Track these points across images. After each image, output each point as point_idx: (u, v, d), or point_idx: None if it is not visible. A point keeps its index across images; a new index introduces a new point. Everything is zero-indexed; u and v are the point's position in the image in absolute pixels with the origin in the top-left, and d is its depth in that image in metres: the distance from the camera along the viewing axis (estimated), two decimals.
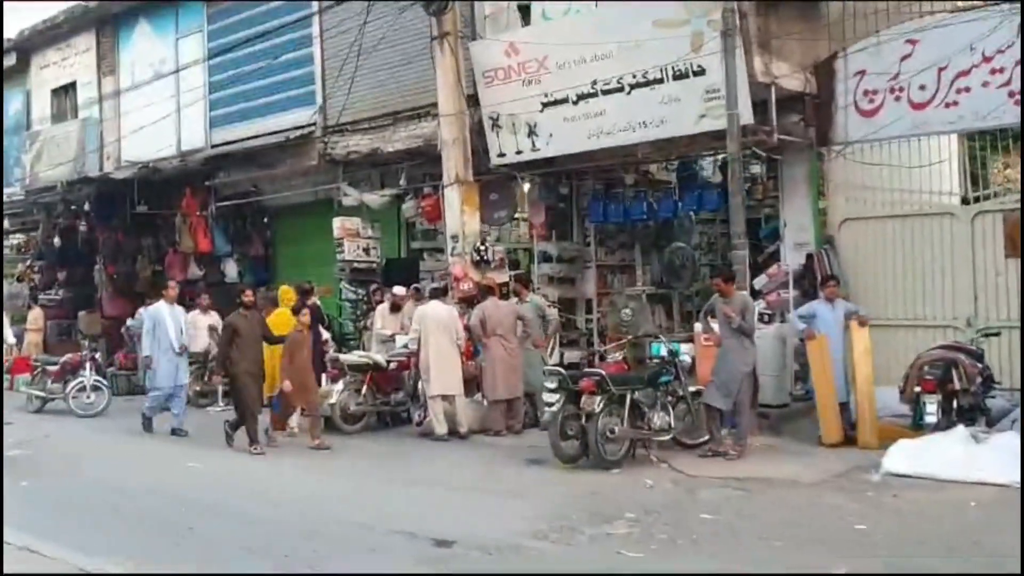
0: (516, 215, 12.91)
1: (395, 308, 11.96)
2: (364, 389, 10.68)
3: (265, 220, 17.68)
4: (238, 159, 16.24)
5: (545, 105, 11.41)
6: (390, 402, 10.97)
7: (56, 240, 19.97)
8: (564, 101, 11.23)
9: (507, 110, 11.76)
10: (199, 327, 13.92)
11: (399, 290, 12.01)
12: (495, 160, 12.14)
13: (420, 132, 13.07)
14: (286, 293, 11.86)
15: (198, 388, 13.66)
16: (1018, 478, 6.73)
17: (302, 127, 14.80)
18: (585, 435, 8.05)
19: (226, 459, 9.55)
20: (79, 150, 19.05)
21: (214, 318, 14.10)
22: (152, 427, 11.23)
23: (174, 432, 11.03)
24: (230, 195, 16.93)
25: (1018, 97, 8.96)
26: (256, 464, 9.24)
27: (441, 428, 9.96)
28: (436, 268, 14.95)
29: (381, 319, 12.06)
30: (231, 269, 17.16)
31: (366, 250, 14.61)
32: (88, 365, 13.02)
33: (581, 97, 11.05)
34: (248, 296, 10.56)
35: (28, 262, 23.97)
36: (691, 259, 12.51)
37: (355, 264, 14.46)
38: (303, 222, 16.85)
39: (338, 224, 14.38)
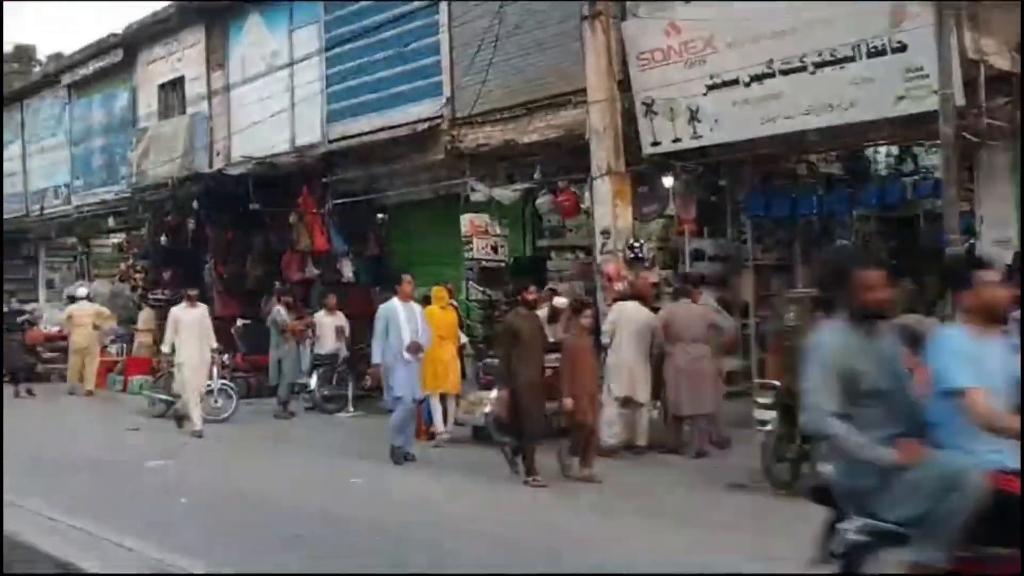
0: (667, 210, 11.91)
1: (553, 317, 11.05)
2: None
3: (380, 218, 17.05)
4: (356, 155, 15.60)
5: (711, 88, 10.44)
6: (546, 413, 10.10)
7: (163, 239, 19.65)
8: (734, 83, 10.24)
9: (665, 94, 10.82)
10: (325, 329, 13.29)
11: (561, 301, 11.08)
12: (648, 149, 11.21)
13: (559, 122, 12.20)
14: (439, 292, 11.06)
15: (326, 393, 13.01)
16: None
17: (427, 120, 14.06)
18: (803, 458, 7.07)
19: (391, 474, 8.74)
20: (188, 146, 18.68)
21: (341, 319, 13.47)
22: (403, 458, 9.15)
23: (397, 454, 9.12)
24: (346, 192, 16.29)
25: None
26: (428, 483, 8.40)
27: (613, 437, 9.07)
28: (564, 268, 14.17)
29: None
30: (347, 268, 16.54)
31: (494, 248, 13.83)
32: (215, 368, 12.45)
33: (755, 78, 10.05)
34: (531, 294, 9.17)
35: (130, 261, 23.84)
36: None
37: (483, 263, 13.66)
38: (419, 220, 16.17)
39: (466, 221, 13.61)
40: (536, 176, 12.78)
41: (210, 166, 18.26)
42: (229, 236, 18.46)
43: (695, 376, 9.21)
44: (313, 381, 12.85)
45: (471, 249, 13.54)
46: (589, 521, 6.83)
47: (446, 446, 10.01)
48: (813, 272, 12.20)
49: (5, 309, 17.67)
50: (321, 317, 13.39)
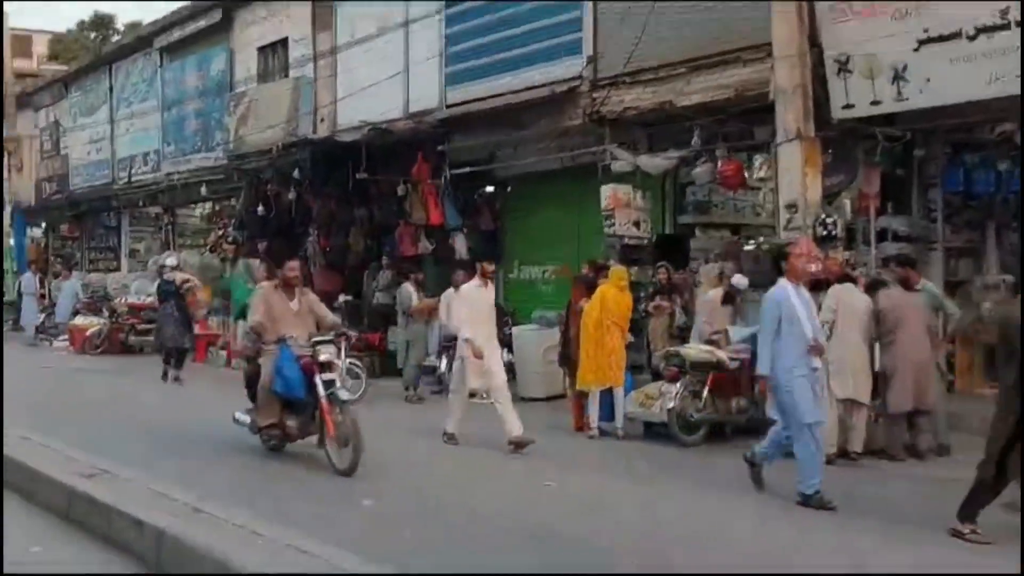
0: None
1: (729, 298, 9.87)
2: (706, 392, 8.68)
3: (494, 191, 15.97)
4: (477, 120, 14.50)
5: (923, 43, 9.13)
6: (731, 409, 8.94)
7: (259, 208, 18.82)
8: (954, 36, 8.93)
9: (864, 50, 9.53)
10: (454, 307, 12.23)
11: (740, 280, 9.89)
12: (839, 113, 9.93)
13: (727, 81, 10.98)
14: (618, 272, 9.89)
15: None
16: None
17: (565, 81, 12.91)
18: None
19: (575, 475, 7.59)
20: (291, 112, 17.77)
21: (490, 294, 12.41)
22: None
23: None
24: (463, 162, 15.21)
25: None
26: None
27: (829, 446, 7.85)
28: (710, 247, 12.96)
29: (708, 311, 9.96)
30: (460, 244, 15.44)
31: (636, 223, 12.64)
32: (341, 346, 11.44)
33: (981, 31, 8.73)
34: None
35: (220, 231, 23.11)
36: None
37: (626, 239, 12.49)
38: (540, 192, 15.03)
39: (608, 192, 12.43)
40: (694, 142, 11.54)
41: (314, 132, 17.34)
42: (332, 207, 17.55)
43: (919, 369, 8.00)
44: (442, 363, 11.80)
45: (612, 224, 12.35)
46: (853, 545, 5.63)
47: (602, 439, 8.88)
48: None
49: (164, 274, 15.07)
50: (450, 295, 12.33)
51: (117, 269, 26.60)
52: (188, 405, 11.46)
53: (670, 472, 7.57)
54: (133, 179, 23.38)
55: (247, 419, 7.96)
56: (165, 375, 13.51)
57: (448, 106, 14.83)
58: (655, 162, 12.07)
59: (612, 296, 9.15)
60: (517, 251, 15.74)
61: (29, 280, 21.76)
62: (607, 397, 9.00)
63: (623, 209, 12.41)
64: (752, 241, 13.50)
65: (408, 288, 11.86)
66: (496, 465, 8.05)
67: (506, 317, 12.95)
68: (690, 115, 11.63)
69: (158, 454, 7.49)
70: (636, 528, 5.82)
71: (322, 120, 17.46)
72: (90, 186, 25.33)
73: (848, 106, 9.84)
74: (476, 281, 9.19)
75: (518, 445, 8.32)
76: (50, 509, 5.77)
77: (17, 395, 10.61)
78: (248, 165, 18.99)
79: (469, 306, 8.95)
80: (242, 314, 13.09)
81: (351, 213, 17.57)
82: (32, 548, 5.24)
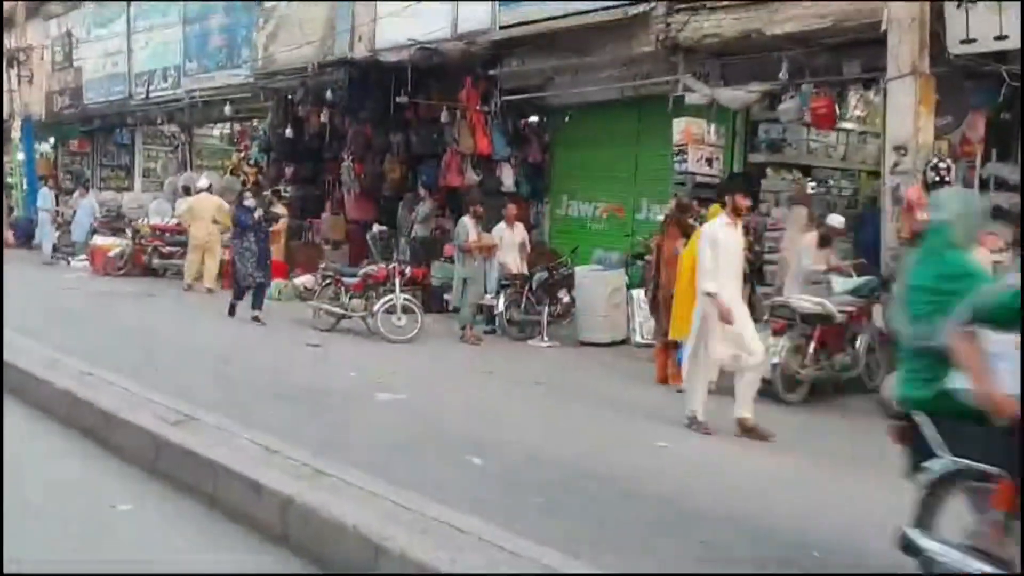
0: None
1: (825, 241, 9.18)
2: (812, 347, 8.04)
3: (543, 120, 15.13)
4: (534, 44, 13.60)
5: None
6: (835, 365, 8.30)
7: (288, 131, 17.97)
8: None
9: None
10: (506, 244, 11.56)
11: (836, 219, 9.19)
12: (956, 48, 9.10)
13: (825, 10, 10.12)
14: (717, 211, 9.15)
15: (514, 316, 11.33)
16: None
17: (637, 3, 11.99)
18: None
19: (687, 437, 6.84)
20: (327, 29, 16.78)
21: (521, 233, 11.74)
22: None
23: None
24: (514, 88, 14.35)
25: None
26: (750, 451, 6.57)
27: None
28: (782, 188, 12.26)
29: (808, 253, 9.23)
30: (507, 176, 14.70)
31: (708, 161, 11.89)
32: (397, 280, 10.79)
33: None
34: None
35: (242, 153, 22.27)
36: None
37: (697, 177, 11.75)
38: (594, 123, 14.22)
39: (682, 126, 11.67)
40: (782, 76, 10.73)
41: (351, 51, 16.37)
42: (368, 132, 16.72)
43: None
44: (500, 303, 11.14)
45: (684, 160, 11.60)
46: None
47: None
48: None
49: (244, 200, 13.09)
50: (501, 230, 11.64)
51: (129, 188, 25.74)
52: (246, 338, 10.78)
53: (786, 437, 6.91)
54: (151, 95, 22.33)
55: None
56: (232, 310, 12.11)
57: (502, 27, 13.87)
58: (736, 95, 11.27)
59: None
60: (566, 185, 15.01)
61: (46, 196, 20.93)
62: None
63: (696, 145, 11.67)
64: (820, 184, 12.84)
65: (466, 222, 11.12)
66: (589, 416, 7.40)
67: (563, 258, 12.27)
68: (777, 46, 10.83)
69: (239, 397, 6.82)
70: (800, 510, 5.11)
71: (359, 39, 16.45)
72: (105, 101, 24.26)
73: (967, 40, 9.01)
74: (724, 218, 7.17)
75: (748, 431, 6.77)
76: (133, 460, 5.14)
77: (50, 319, 10.01)
78: (277, 84, 18.07)
79: (716, 249, 6.85)
80: None
81: (387, 139, 16.77)
82: (121, 506, 4.63)
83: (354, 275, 11.20)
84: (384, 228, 16.97)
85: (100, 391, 5.80)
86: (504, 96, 14.22)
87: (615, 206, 14.04)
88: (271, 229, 16.13)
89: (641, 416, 7.36)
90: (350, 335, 10.85)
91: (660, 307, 8.68)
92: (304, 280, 15.10)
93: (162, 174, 24.33)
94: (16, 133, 26.47)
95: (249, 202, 12.43)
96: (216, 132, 24.54)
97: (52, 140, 29.13)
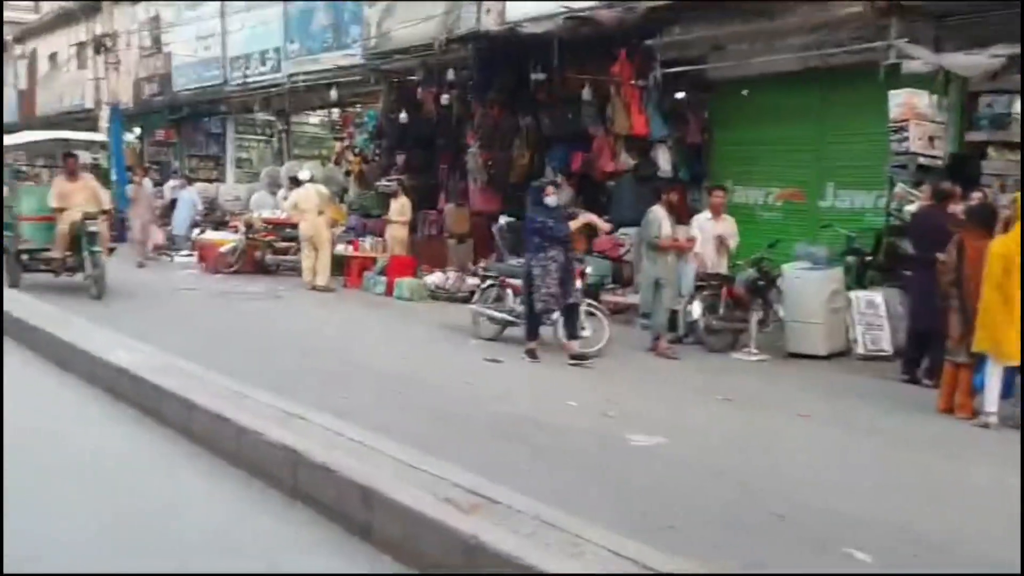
0: None
1: None
2: None
3: (699, 96, 13.45)
4: (702, 9, 11.98)
5: None
6: None
7: (403, 115, 16.57)
8: None
9: None
10: (707, 236, 9.96)
11: None
12: None
13: None
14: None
15: (713, 324, 9.75)
16: None
17: None
18: None
19: None
20: (449, 4, 15.33)
21: (728, 225, 10.13)
22: None
23: None
24: (672, 60, 12.72)
25: None
26: None
27: None
28: (1007, 171, 10.44)
29: None
30: (664, 159, 13.10)
31: (931, 139, 10.16)
32: (578, 281, 9.26)
33: None
34: None
35: (346, 141, 20.96)
36: None
37: (920, 159, 10.03)
38: (766, 98, 12.51)
39: (902, 99, 9.94)
40: None
41: (478, 25, 14.90)
42: (496, 115, 15.24)
43: None
44: (696, 308, 9.57)
45: (905, 139, 9.89)
46: None
47: (999, 431, 6.58)
48: None
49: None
50: (702, 221, 10.04)
51: (220, 179, 24.67)
52: (410, 348, 9.37)
53: None
54: (248, 80, 21.13)
55: None
56: (533, 354, 8.87)
57: None
58: (974, 62, 9.52)
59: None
60: (730, 169, 13.34)
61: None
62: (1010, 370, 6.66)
63: (918, 121, 9.92)
64: None
65: (659, 212, 9.53)
66: (924, 467, 5.77)
67: (761, 254, 10.58)
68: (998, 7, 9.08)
69: (459, 438, 5.39)
70: None
71: (488, 11, 14.98)
72: (197, 87, 23.17)
73: None
74: None
75: None
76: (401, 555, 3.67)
77: (192, 332, 8.70)
78: (392, 65, 16.69)
79: None
80: None
81: (515, 122, 15.28)
82: None
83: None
84: (512, 219, 15.53)
85: (339, 451, 4.33)
86: (665, 68, 12.57)
87: (793, 192, 12.37)
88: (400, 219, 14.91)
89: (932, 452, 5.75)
90: (517, 344, 9.37)
91: (962, 316, 6.96)
92: (435, 278, 13.74)
93: (257, 164, 23.17)
94: (104, 123, 25.58)
95: (552, 199, 9.11)
96: (314, 120, 23.28)
97: (138, 130, 28.25)
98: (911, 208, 9.39)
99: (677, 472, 5.25)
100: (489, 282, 10.04)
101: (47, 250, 11.95)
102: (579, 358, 8.61)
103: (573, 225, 9.30)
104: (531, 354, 8.75)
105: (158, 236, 18.02)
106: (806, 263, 9.80)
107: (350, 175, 19.53)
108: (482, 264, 11.02)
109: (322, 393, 6.15)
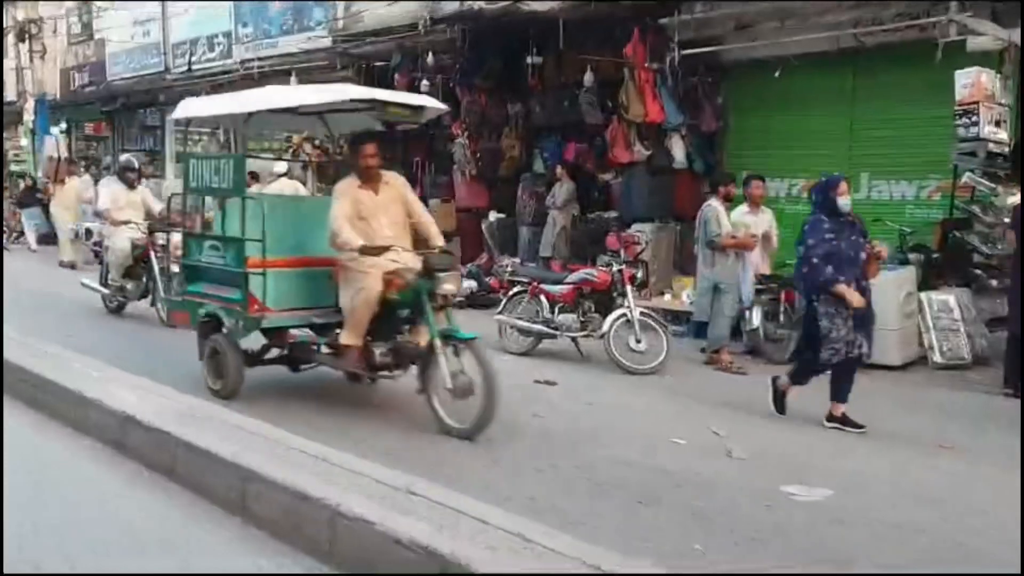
0: None
1: None
2: None
3: (714, 80, 12.37)
4: None
5: None
6: None
7: None
8: None
9: None
10: (757, 229, 8.86)
11: None
12: None
13: None
14: None
15: (774, 332, 8.65)
16: None
17: None
18: None
19: None
20: None
21: (768, 218, 9.06)
22: None
23: None
24: (687, 41, 11.61)
25: None
26: None
27: None
28: None
29: None
30: (678, 149, 11.99)
31: (997, 123, 9.24)
32: (628, 288, 8.06)
33: None
34: None
35: (304, 133, 19.36)
36: None
37: (990, 146, 9.09)
38: (787, 83, 11.48)
39: (970, 79, 8.95)
40: None
41: (460, 4, 13.58)
42: (483, 102, 13.97)
43: None
44: (756, 315, 8.45)
45: (974, 122, 8.92)
46: None
47: None
48: None
49: None
50: (742, 215, 8.93)
51: (157, 176, 22.77)
52: None
53: None
54: (195, 68, 19.39)
55: None
56: (782, 407, 6.72)
57: None
58: None
59: None
60: (747, 159, 12.27)
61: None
62: None
63: (988, 104, 8.98)
64: None
65: (716, 207, 8.38)
66: None
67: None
68: None
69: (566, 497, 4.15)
70: None
71: None
72: (134, 76, 21.29)
73: None
74: None
75: None
76: None
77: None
78: (362, 48, 15.25)
79: None
80: None
81: (504, 110, 14.06)
82: None
83: (559, 281, 8.46)
84: (502, 216, 14.34)
85: (446, 535, 3.10)
86: (683, 50, 11.45)
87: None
88: None
89: None
90: (555, 360, 8.14)
91: None
92: None
93: None
94: (28, 115, 23.51)
95: (845, 200, 6.36)
96: None
97: (63, 124, 26.12)
98: (1014, 199, 8.42)
99: (873, 534, 4.11)
100: (517, 288, 8.76)
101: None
102: (842, 422, 6.19)
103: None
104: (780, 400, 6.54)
105: None
106: None
107: (308, 168, 18.01)
108: (508, 267, 9.68)
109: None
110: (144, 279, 10.13)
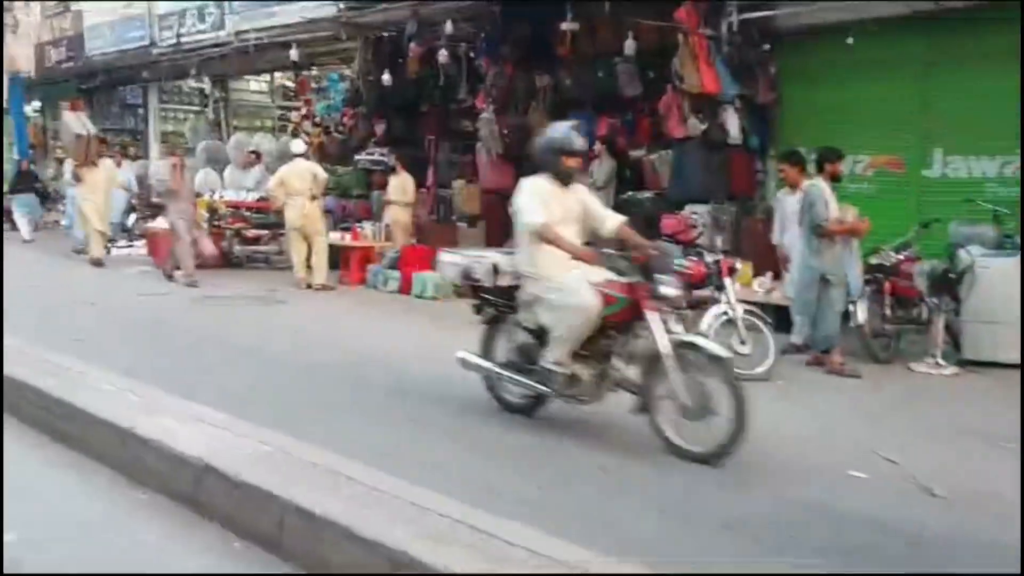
0: None
1: None
2: None
3: (770, 48, 11.37)
4: None
5: None
6: None
7: (386, 77, 14.06)
8: None
9: None
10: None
11: None
12: None
13: None
14: None
15: (884, 327, 7.71)
16: None
17: None
18: None
19: None
20: None
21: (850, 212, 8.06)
22: None
23: None
24: (742, 6, 10.62)
25: None
26: None
27: None
28: None
29: None
30: (733, 123, 11.00)
31: None
32: (728, 281, 7.09)
33: None
34: None
35: (303, 110, 18.26)
36: None
37: None
38: (850, 52, 10.51)
39: None
40: None
41: None
42: (509, 74, 12.92)
43: None
44: (861, 310, 7.51)
45: None
46: None
47: None
48: None
49: None
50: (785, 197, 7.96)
51: (141, 156, 21.45)
52: None
53: None
54: (183, 41, 18.07)
55: None
56: None
57: None
58: None
59: None
60: (804, 134, 11.29)
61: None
62: None
63: None
64: None
65: (822, 187, 7.38)
66: None
67: (907, 237, 8.59)
68: None
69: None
70: None
71: None
72: (116, 51, 19.92)
73: None
74: None
75: None
76: None
77: (229, 372, 6.20)
78: (372, 16, 14.10)
79: None
80: None
81: (532, 82, 12.99)
82: None
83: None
84: None
85: None
86: (741, 15, 10.47)
87: (889, 159, 10.54)
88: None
89: None
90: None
91: None
92: None
93: (191, 138, 20.06)
94: (6, 95, 22.06)
95: None
96: (255, 86, 20.38)
97: (38, 103, 24.70)
98: None
99: None
100: None
101: None
102: None
103: None
104: None
105: (207, 244, 12.92)
106: (976, 247, 7.85)
107: (309, 149, 16.88)
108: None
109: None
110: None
